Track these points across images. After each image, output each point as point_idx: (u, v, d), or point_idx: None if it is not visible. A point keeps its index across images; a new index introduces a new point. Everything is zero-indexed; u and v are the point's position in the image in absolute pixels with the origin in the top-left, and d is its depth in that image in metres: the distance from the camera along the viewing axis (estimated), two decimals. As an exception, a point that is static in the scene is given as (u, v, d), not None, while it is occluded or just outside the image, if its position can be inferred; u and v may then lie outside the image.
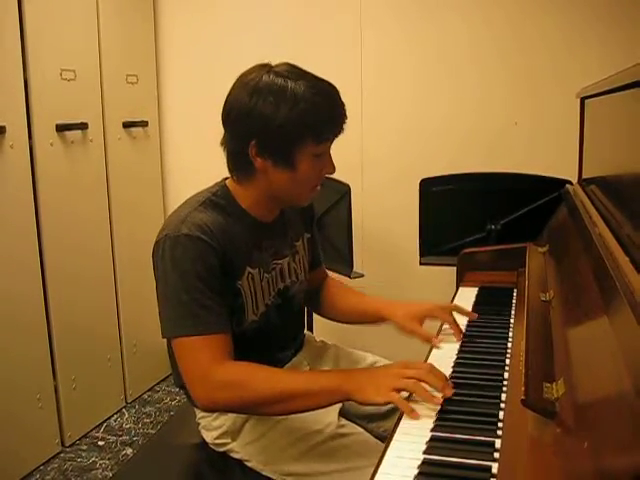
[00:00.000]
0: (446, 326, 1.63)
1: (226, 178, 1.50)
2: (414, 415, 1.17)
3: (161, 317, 1.37)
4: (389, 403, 1.22)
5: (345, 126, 1.42)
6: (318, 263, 1.80)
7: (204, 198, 1.43)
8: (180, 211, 1.40)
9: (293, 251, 1.61)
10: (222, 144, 1.45)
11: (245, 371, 1.32)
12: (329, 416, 1.46)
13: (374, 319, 1.69)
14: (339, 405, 1.49)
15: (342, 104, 1.41)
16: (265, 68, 1.38)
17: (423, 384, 1.22)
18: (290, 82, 1.34)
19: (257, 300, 1.47)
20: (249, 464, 1.47)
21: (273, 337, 1.55)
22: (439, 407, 1.19)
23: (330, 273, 1.90)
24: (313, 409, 1.32)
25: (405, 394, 1.24)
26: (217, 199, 1.44)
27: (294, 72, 1.37)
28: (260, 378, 1.31)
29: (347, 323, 1.79)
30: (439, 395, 1.21)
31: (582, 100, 2.14)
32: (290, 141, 1.35)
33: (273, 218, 1.54)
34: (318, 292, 1.81)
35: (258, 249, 1.48)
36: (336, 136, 1.42)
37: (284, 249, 1.57)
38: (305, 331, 1.78)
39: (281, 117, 1.32)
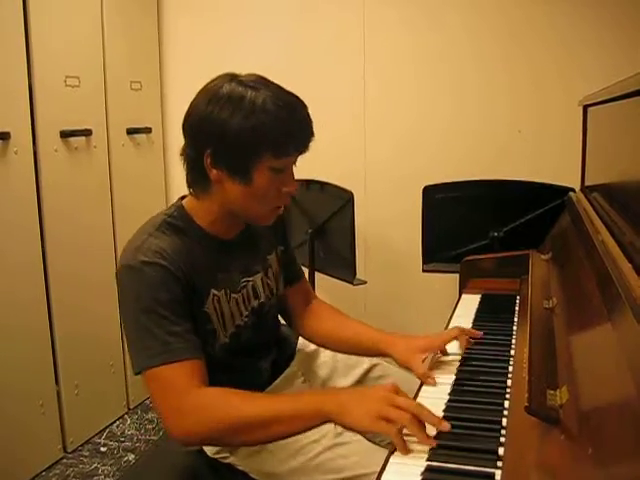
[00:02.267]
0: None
1: (182, 197, 1.46)
2: (407, 452, 1.08)
3: (130, 353, 1.31)
4: (376, 433, 1.15)
5: (310, 144, 1.35)
6: (297, 278, 1.71)
7: (160, 221, 1.38)
8: (136, 239, 1.35)
9: (265, 266, 1.55)
10: (181, 154, 1.40)
11: (218, 396, 1.27)
12: (325, 425, 1.36)
13: (371, 353, 1.59)
14: None
15: (307, 120, 1.35)
16: (229, 77, 1.34)
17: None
18: (250, 91, 1.29)
19: (225, 322, 1.42)
20: (251, 474, 1.44)
21: (248, 351, 1.50)
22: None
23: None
24: (294, 434, 1.25)
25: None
26: (174, 221, 1.39)
27: (259, 82, 1.32)
28: (235, 404, 1.25)
29: (339, 352, 1.69)
30: (432, 433, 1.11)
31: (585, 108, 2.15)
32: (245, 152, 1.29)
33: (235, 234, 1.48)
34: (300, 313, 1.70)
35: (223, 269, 1.43)
36: (299, 152, 1.35)
37: (254, 265, 1.52)
38: (300, 339, 1.74)
39: (235, 126, 1.27)
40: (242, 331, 1.46)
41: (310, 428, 1.24)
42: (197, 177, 1.38)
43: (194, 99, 1.35)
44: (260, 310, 1.52)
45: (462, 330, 1.53)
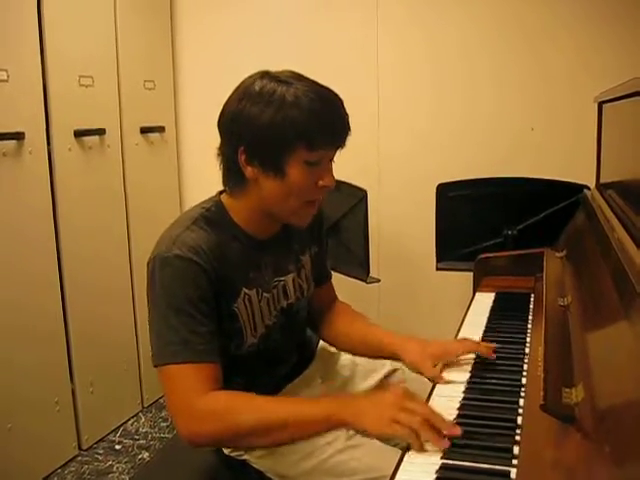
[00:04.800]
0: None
1: (221, 192, 1.44)
2: (422, 449, 1.09)
3: (151, 344, 1.31)
4: (390, 436, 1.16)
5: (347, 140, 1.33)
6: (324, 279, 1.68)
7: (197, 215, 1.37)
8: (172, 230, 1.34)
9: (298, 266, 1.53)
10: (218, 154, 1.39)
11: (230, 400, 1.26)
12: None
13: (383, 355, 1.56)
14: None
15: (342, 113, 1.33)
16: (262, 73, 1.33)
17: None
18: (282, 86, 1.27)
19: (255, 322, 1.41)
20: (266, 473, 1.43)
21: (273, 354, 1.49)
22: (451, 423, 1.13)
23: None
24: (303, 439, 1.25)
25: None
26: (211, 215, 1.37)
27: (292, 77, 1.30)
28: (247, 406, 1.24)
29: (353, 354, 1.67)
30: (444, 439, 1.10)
31: (600, 105, 2.13)
32: (277, 146, 1.27)
33: (272, 234, 1.46)
34: (323, 314, 1.68)
35: (256, 268, 1.41)
36: (335, 146, 1.33)
37: (287, 265, 1.50)
38: (321, 342, 1.73)
39: (266, 120, 1.26)
40: (271, 332, 1.45)
41: (319, 434, 1.24)
42: (233, 175, 1.36)
43: (228, 97, 1.35)
44: (289, 311, 1.50)
45: (478, 345, 1.49)
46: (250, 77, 1.33)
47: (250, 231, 1.41)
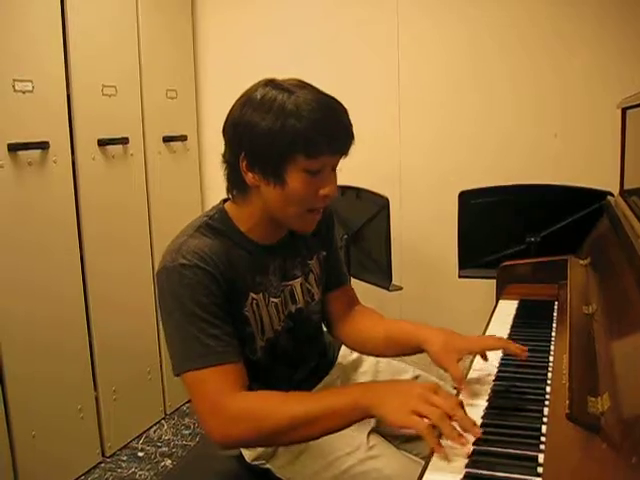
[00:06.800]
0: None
1: (225, 200, 1.45)
2: (440, 450, 1.06)
3: (170, 354, 1.31)
4: (408, 427, 1.11)
5: (351, 148, 1.32)
6: (338, 284, 1.64)
7: (200, 223, 1.37)
8: (176, 240, 1.34)
9: (306, 270, 1.52)
10: (223, 162, 1.39)
11: (258, 399, 1.26)
12: (358, 438, 1.38)
13: (406, 349, 1.51)
14: (370, 426, 1.42)
15: (342, 120, 1.31)
16: (265, 81, 1.33)
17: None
18: (283, 94, 1.27)
19: (264, 327, 1.41)
20: None
21: (288, 359, 1.48)
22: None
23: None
24: (336, 430, 1.22)
25: None
26: (214, 223, 1.38)
27: (295, 86, 1.30)
28: (275, 404, 1.23)
29: (374, 354, 1.63)
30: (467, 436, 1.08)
31: (623, 110, 2.12)
32: (276, 154, 1.27)
33: (277, 239, 1.45)
34: (342, 320, 1.63)
35: (262, 272, 1.41)
36: (336, 154, 1.32)
37: (294, 269, 1.49)
38: (342, 348, 1.71)
39: (265, 127, 1.25)
40: (279, 336, 1.44)
41: (350, 424, 1.20)
42: (236, 182, 1.37)
43: (233, 104, 1.35)
44: (298, 316, 1.49)
45: (507, 343, 1.44)
46: (254, 85, 1.34)
47: (254, 237, 1.41)
